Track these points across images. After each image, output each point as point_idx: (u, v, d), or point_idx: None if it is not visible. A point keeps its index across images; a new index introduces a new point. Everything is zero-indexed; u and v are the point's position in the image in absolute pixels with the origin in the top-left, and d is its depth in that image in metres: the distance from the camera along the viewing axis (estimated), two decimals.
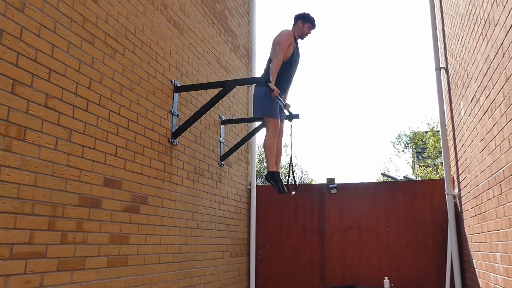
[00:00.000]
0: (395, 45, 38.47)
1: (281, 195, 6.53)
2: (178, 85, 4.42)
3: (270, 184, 4.38)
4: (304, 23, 4.54)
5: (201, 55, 5.09)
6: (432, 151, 15.85)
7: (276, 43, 4.44)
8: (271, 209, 6.56)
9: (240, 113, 6.25)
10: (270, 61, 4.53)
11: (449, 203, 5.64)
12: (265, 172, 19.77)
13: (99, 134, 3.18)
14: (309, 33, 4.60)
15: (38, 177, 2.60)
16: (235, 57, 6.23)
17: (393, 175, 17.27)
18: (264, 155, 4.36)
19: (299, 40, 4.66)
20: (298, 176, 21.47)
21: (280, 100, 4.54)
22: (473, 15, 4.00)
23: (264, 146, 4.28)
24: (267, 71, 4.46)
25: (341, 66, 41.17)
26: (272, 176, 4.19)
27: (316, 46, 40.08)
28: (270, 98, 4.27)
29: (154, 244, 3.83)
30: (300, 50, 4.70)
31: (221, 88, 4.30)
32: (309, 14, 4.57)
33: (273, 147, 4.23)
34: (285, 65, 4.41)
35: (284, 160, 20.68)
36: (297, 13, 4.62)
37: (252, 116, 4.59)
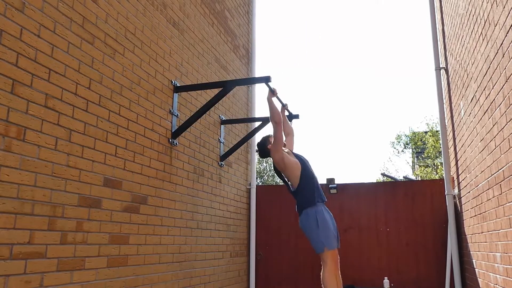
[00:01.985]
0: (395, 45, 38.48)
1: (280, 195, 6.56)
2: (178, 85, 4.42)
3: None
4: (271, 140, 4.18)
5: (201, 55, 5.09)
6: (431, 151, 15.85)
7: (273, 147, 4.04)
8: (271, 209, 6.56)
9: (240, 113, 6.25)
10: (287, 184, 4.12)
11: (449, 203, 5.64)
12: (265, 172, 19.77)
13: (99, 134, 3.18)
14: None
15: (38, 177, 2.60)
16: (235, 57, 6.23)
17: (393, 175, 17.26)
18: None
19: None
20: None
21: (280, 100, 4.54)
22: (473, 15, 4.00)
23: (324, 282, 3.69)
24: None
25: (341, 66, 41.18)
26: None
27: (316, 46, 40.10)
28: (321, 224, 3.75)
29: (154, 244, 3.83)
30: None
31: (221, 88, 4.30)
32: (259, 142, 4.27)
33: (331, 281, 3.67)
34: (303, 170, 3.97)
35: None
36: (259, 144, 4.24)
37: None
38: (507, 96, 3.09)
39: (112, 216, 3.27)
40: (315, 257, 6.35)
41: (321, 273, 3.78)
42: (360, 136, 37.32)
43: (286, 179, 4.11)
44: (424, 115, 29.40)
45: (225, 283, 5.36)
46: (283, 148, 4.06)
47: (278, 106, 4.85)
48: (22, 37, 2.56)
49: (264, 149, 4.18)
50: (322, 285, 3.73)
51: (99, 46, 3.26)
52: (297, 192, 3.97)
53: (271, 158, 4.13)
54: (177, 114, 4.39)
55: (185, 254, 4.37)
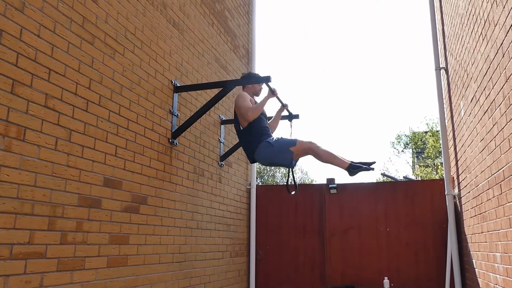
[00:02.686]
0: (395, 45, 38.48)
1: (280, 195, 6.56)
2: (178, 85, 4.42)
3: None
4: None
5: (201, 55, 5.09)
6: (431, 151, 15.84)
7: (240, 103, 4.10)
8: (271, 209, 6.56)
9: None
10: (237, 122, 4.21)
11: (449, 203, 5.64)
12: (265, 172, 19.77)
13: (99, 134, 3.18)
14: (261, 88, 4.39)
15: (38, 177, 2.60)
16: (235, 57, 6.23)
17: (393, 175, 17.26)
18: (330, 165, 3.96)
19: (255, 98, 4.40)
20: (298, 176, 21.48)
21: (280, 100, 4.54)
22: (473, 15, 4.00)
23: (324, 159, 3.90)
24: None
25: (341, 66, 41.19)
26: (354, 167, 3.82)
27: (316, 46, 40.12)
28: (273, 142, 3.99)
29: (154, 244, 3.83)
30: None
31: (221, 88, 4.30)
32: (250, 73, 4.36)
33: (325, 151, 3.88)
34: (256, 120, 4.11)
35: None
36: (242, 78, 4.35)
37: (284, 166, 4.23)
38: (507, 96, 3.09)
39: (112, 216, 3.27)
40: (315, 257, 6.38)
41: (314, 157, 3.94)
42: (360, 136, 37.32)
43: (237, 117, 4.22)
44: (424, 115, 29.39)
45: (225, 283, 5.36)
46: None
47: (278, 108, 4.84)
48: (22, 37, 2.56)
49: (243, 83, 4.30)
50: (326, 159, 3.89)
51: (99, 46, 3.26)
52: (247, 135, 4.12)
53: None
54: (177, 114, 4.39)
55: (185, 254, 4.37)
